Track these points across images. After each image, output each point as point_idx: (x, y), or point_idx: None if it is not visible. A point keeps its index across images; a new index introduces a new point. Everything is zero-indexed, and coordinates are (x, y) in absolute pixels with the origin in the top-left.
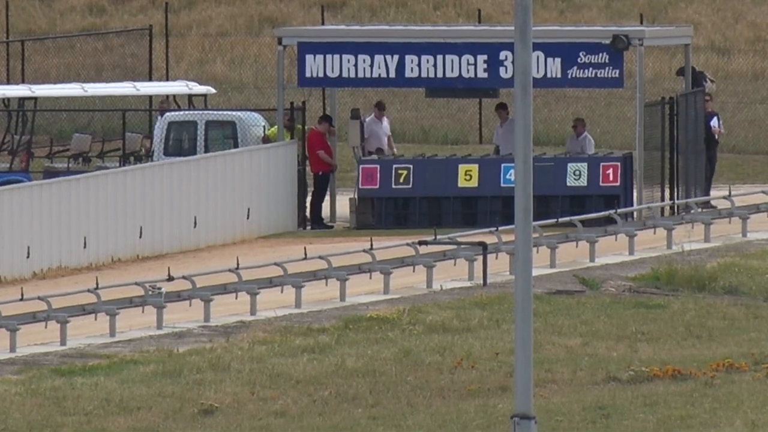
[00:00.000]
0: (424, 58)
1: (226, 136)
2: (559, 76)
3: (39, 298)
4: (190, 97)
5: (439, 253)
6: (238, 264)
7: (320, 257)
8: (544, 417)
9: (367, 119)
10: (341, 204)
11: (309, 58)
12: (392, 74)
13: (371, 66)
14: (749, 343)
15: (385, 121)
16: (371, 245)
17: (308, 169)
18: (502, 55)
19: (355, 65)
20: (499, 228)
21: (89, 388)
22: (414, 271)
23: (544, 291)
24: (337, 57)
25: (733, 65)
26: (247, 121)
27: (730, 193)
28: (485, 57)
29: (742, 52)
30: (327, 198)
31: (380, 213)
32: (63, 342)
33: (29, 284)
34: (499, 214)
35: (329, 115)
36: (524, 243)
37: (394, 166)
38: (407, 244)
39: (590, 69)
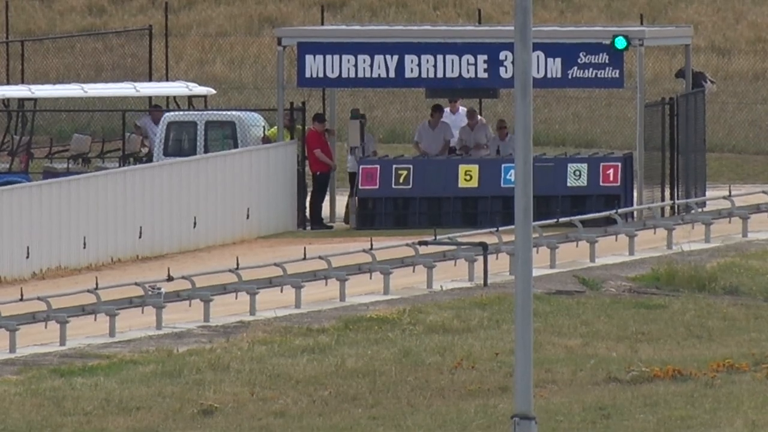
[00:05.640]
0: (424, 58)
1: (226, 136)
2: (559, 76)
3: (39, 298)
4: (189, 98)
5: (439, 253)
6: (237, 264)
7: (320, 257)
8: (544, 417)
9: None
10: (341, 204)
11: (309, 58)
12: (392, 74)
13: (371, 66)
14: (749, 343)
15: (461, 113)
16: (371, 245)
17: (308, 169)
18: (502, 55)
19: (355, 65)
20: (500, 228)
21: (89, 389)
22: (414, 271)
23: (544, 291)
24: (336, 57)
25: (733, 65)
26: (246, 121)
27: (730, 193)
28: (485, 57)
29: (742, 53)
30: (327, 198)
31: (380, 213)
32: (63, 342)
33: (29, 284)
34: (500, 214)
35: (321, 113)
36: (524, 243)
37: (394, 166)
38: (407, 245)
39: (590, 69)
